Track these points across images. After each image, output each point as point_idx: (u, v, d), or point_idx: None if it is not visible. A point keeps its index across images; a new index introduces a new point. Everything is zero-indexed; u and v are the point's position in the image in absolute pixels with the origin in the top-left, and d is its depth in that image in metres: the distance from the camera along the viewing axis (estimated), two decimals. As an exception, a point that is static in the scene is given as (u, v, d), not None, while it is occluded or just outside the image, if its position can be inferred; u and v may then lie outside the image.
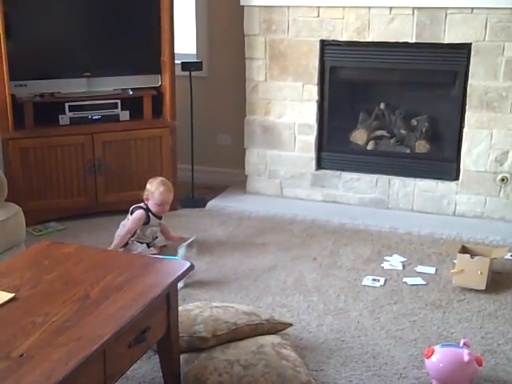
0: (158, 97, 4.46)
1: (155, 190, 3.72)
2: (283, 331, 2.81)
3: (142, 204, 3.78)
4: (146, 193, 3.77)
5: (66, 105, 4.23)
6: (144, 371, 2.64)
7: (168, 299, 2.32)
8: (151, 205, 3.75)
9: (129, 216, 3.77)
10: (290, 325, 2.87)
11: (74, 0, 4.30)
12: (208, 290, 3.40)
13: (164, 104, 4.45)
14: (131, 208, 3.78)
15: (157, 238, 3.88)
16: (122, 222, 3.79)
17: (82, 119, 4.28)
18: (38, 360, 1.76)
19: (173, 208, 4.49)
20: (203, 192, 4.83)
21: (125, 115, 4.38)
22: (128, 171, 4.41)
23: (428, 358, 2.57)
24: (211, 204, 4.64)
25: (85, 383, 1.86)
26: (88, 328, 1.93)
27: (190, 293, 3.32)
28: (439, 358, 2.54)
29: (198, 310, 2.73)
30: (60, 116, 4.22)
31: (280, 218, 4.40)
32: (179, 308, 2.51)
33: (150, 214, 3.76)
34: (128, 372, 2.47)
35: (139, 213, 3.72)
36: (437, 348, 2.58)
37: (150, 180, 3.82)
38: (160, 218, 3.84)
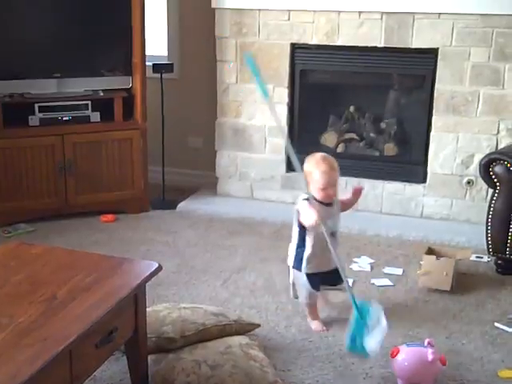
0: (128, 98, 4.44)
1: (314, 170, 2.86)
2: (251, 332, 2.84)
3: (306, 193, 2.89)
4: (305, 176, 2.87)
5: (36, 105, 4.19)
6: (112, 372, 2.64)
7: (136, 300, 2.33)
8: (314, 190, 2.88)
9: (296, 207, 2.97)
10: (258, 325, 2.90)
11: (44, 0, 4.28)
12: (177, 291, 3.41)
13: (135, 106, 4.45)
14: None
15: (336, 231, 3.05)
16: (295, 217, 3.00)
17: (52, 120, 4.25)
18: (3, 361, 1.76)
19: (144, 209, 4.52)
20: (174, 194, 4.83)
21: (95, 116, 4.36)
22: (98, 173, 4.39)
23: (393, 357, 2.61)
24: (182, 206, 4.65)
25: (51, 384, 1.87)
26: (54, 329, 1.93)
27: (159, 294, 3.33)
28: (404, 357, 2.58)
29: (166, 311, 2.74)
30: (30, 117, 4.18)
31: (250, 220, 4.42)
32: (148, 309, 2.52)
33: (316, 202, 2.86)
34: (96, 373, 2.47)
35: (303, 204, 2.88)
36: (402, 347, 2.63)
37: (307, 158, 2.95)
38: (330, 204, 2.97)
